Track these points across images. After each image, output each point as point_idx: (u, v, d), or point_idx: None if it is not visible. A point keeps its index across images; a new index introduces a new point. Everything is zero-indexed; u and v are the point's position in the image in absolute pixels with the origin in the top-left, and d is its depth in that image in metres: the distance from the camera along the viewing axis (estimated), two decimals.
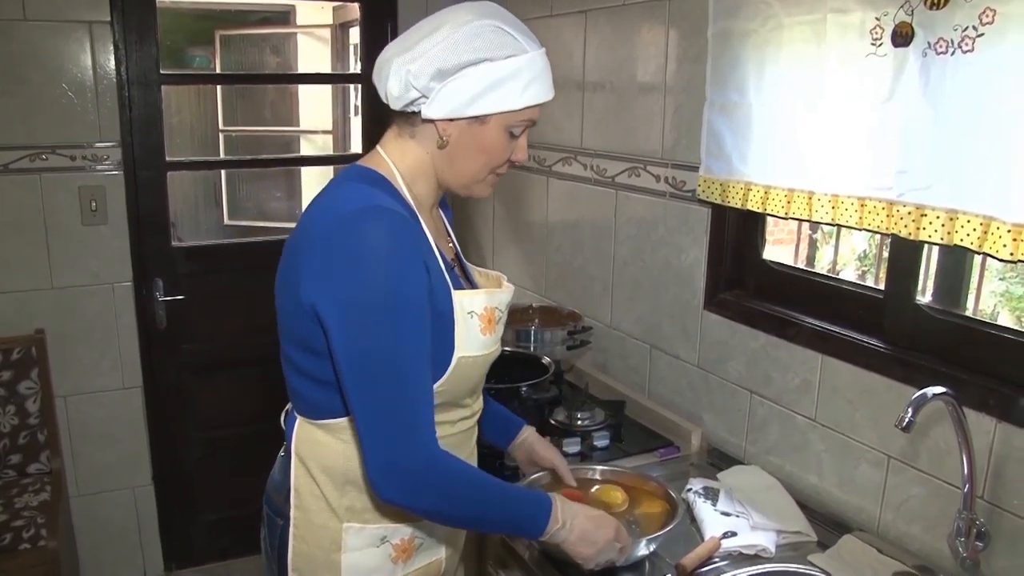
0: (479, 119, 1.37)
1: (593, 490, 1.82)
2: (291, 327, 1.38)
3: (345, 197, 1.34)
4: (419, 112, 1.37)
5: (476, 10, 1.37)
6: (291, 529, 1.46)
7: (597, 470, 1.90)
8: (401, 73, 1.35)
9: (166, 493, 3.36)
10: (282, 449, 1.52)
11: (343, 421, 1.40)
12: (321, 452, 1.43)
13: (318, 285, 1.28)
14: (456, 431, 1.49)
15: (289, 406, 1.53)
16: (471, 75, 1.33)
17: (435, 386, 1.38)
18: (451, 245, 1.57)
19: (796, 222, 2.31)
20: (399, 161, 1.44)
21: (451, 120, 1.37)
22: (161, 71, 3.03)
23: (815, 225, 3.05)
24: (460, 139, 1.39)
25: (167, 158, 3.12)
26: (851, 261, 5.23)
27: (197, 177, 5.66)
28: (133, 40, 2.94)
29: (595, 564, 1.50)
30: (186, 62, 5.56)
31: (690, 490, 1.94)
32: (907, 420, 1.45)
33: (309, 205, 1.41)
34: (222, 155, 5.73)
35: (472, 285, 1.56)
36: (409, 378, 1.29)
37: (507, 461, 1.99)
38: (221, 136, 5.71)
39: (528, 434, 1.81)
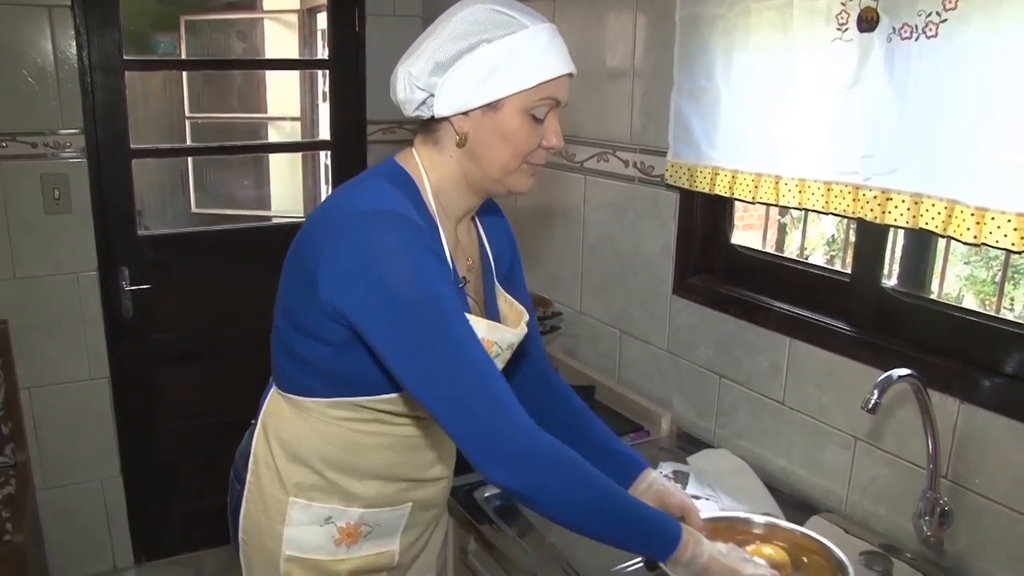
0: (492, 106, 1.32)
1: (748, 549, 1.52)
2: (298, 312, 1.35)
3: (368, 195, 1.32)
4: (434, 115, 1.35)
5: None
6: (245, 493, 1.49)
7: (758, 523, 1.61)
8: (404, 77, 1.34)
9: (135, 485, 3.33)
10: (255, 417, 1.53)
11: (309, 401, 1.41)
12: (283, 425, 1.45)
13: (340, 286, 1.26)
14: (392, 433, 1.46)
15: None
16: (471, 61, 1.29)
17: (397, 394, 1.38)
18: (470, 263, 1.51)
19: (765, 207, 2.32)
20: (429, 167, 1.41)
21: (465, 114, 1.33)
22: (124, 57, 2.98)
23: (784, 210, 3.08)
24: (479, 132, 1.34)
25: (132, 145, 3.07)
26: (820, 246, 5.29)
27: (163, 165, 5.60)
28: (95, 25, 2.89)
29: None
30: (150, 48, 5.50)
31: (660, 474, 1.95)
32: (873, 402, 1.47)
33: (334, 193, 1.40)
34: (189, 142, 5.68)
35: (484, 309, 1.53)
36: (473, 365, 1.26)
37: None
38: (188, 123, 5.65)
39: (655, 477, 1.60)
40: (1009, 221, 1.38)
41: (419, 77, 1.32)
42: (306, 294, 1.30)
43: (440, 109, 1.32)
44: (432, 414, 1.26)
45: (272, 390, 1.48)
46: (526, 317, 1.56)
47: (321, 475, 1.44)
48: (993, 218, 1.40)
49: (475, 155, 1.37)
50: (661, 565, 1.36)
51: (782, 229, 3.60)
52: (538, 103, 1.33)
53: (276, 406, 1.47)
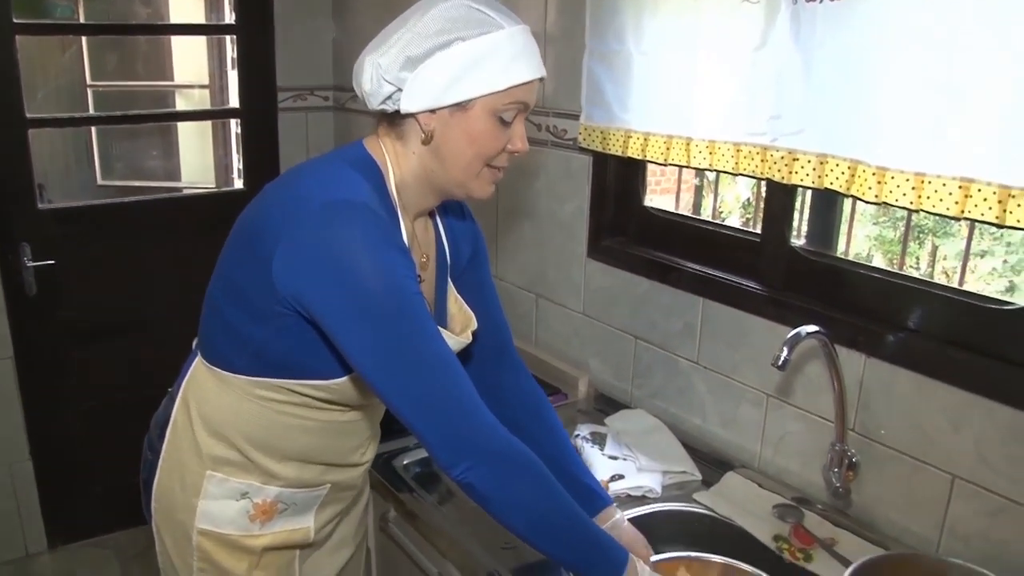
0: (461, 106, 1.29)
1: None
2: (243, 290, 1.31)
3: (332, 182, 1.28)
4: (399, 110, 1.31)
5: None
6: (160, 462, 1.46)
7: (715, 563, 1.54)
8: (372, 69, 1.29)
9: (46, 468, 3.23)
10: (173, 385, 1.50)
11: (235, 377, 1.38)
12: (207, 397, 1.42)
13: (303, 278, 1.22)
14: (318, 419, 1.45)
15: (195, 343, 1.49)
16: (443, 58, 1.26)
17: (334, 381, 1.37)
18: (424, 260, 1.49)
19: (677, 172, 2.35)
20: (393, 159, 1.37)
21: (432, 111, 1.30)
22: (15, 20, 2.84)
23: (700, 174, 3.12)
24: (445, 131, 1.31)
25: (27, 115, 2.94)
26: (736, 209, 5.37)
27: (66, 135, 5.40)
28: None
29: None
30: (46, 11, 5.27)
31: (578, 436, 1.97)
32: (783, 359, 1.50)
33: (295, 171, 1.35)
34: (91, 111, 5.49)
35: (434, 311, 1.52)
36: (439, 364, 1.25)
37: None
38: (90, 91, 5.45)
39: (618, 517, 1.59)
40: (908, 180, 1.42)
41: (388, 70, 1.27)
42: (259, 275, 1.26)
43: (408, 105, 1.29)
44: (395, 410, 1.25)
45: (196, 359, 1.45)
46: (473, 325, 1.55)
47: (241, 452, 1.42)
48: (893, 177, 1.44)
49: (439, 154, 1.34)
50: None
51: (698, 192, 3.64)
52: (507, 106, 1.30)
53: (200, 377, 1.43)
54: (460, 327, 1.54)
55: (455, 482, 1.26)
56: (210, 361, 1.41)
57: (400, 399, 1.23)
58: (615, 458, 1.88)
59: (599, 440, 1.95)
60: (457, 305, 1.57)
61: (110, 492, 3.33)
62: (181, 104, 5.72)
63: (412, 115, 1.31)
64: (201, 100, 5.65)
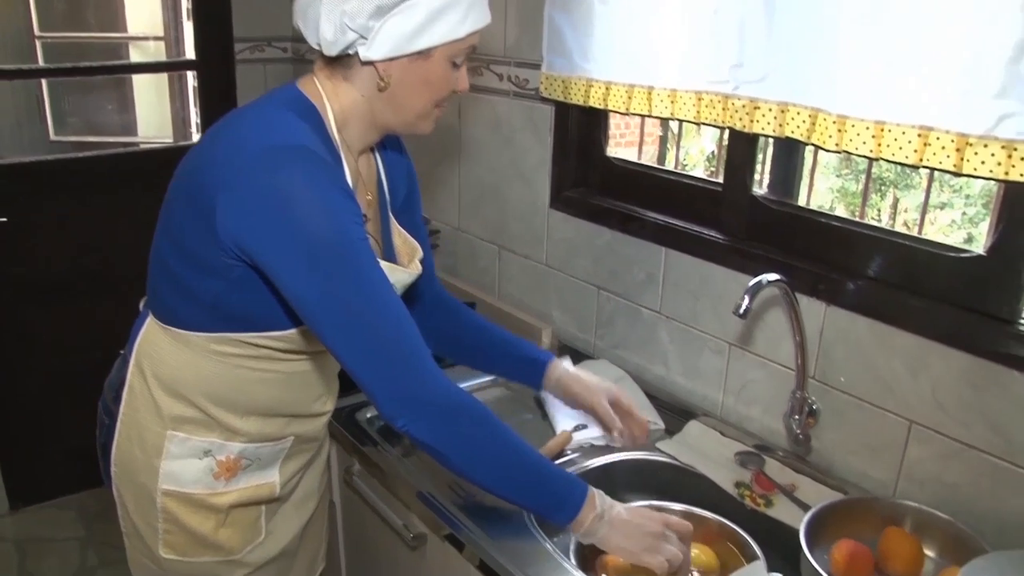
0: (423, 54, 1.29)
1: None
2: (190, 244, 1.29)
3: (273, 126, 1.25)
4: (355, 54, 1.28)
5: None
6: (117, 426, 1.44)
7: (675, 511, 1.56)
8: (334, 16, 1.25)
9: (5, 429, 3.19)
10: (125, 347, 1.47)
11: (192, 335, 1.35)
12: (161, 358, 1.39)
13: (247, 226, 1.20)
14: (280, 370, 1.44)
15: (144, 300, 1.47)
16: (410, 8, 1.25)
17: (287, 332, 1.36)
18: (369, 198, 1.49)
19: (640, 122, 2.33)
20: (332, 99, 1.35)
21: (392, 59, 1.29)
22: None
23: (664, 126, 3.11)
24: (403, 78, 1.31)
25: None
26: (700, 162, 5.37)
27: (16, 88, 5.26)
28: None
29: (664, 563, 1.35)
30: None
31: (564, 364, 1.97)
32: (744, 307, 1.50)
33: (231, 118, 1.32)
34: (41, 63, 5.35)
35: (382, 247, 1.51)
36: (386, 311, 1.24)
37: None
38: (38, 43, 5.32)
39: (562, 369, 1.68)
40: (868, 128, 1.42)
41: (355, 18, 1.24)
42: (202, 227, 1.24)
43: (372, 53, 1.27)
44: (339, 359, 1.25)
45: (148, 320, 1.42)
46: (419, 254, 1.55)
47: (202, 410, 1.40)
48: (853, 126, 1.44)
49: (394, 99, 1.34)
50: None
51: (662, 144, 3.63)
52: (462, 51, 1.34)
53: (153, 337, 1.41)
54: (407, 259, 1.54)
55: (404, 434, 1.27)
56: (163, 320, 1.39)
57: (344, 348, 1.23)
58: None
59: None
60: (401, 238, 1.57)
61: (72, 453, 3.29)
62: (135, 56, 5.60)
63: (371, 62, 1.29)
64: (156, 52, 5.52)
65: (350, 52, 1.29)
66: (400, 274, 1.44)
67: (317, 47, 1.31)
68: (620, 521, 1.37)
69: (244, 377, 1.40)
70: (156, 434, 1.42)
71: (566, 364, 1.73)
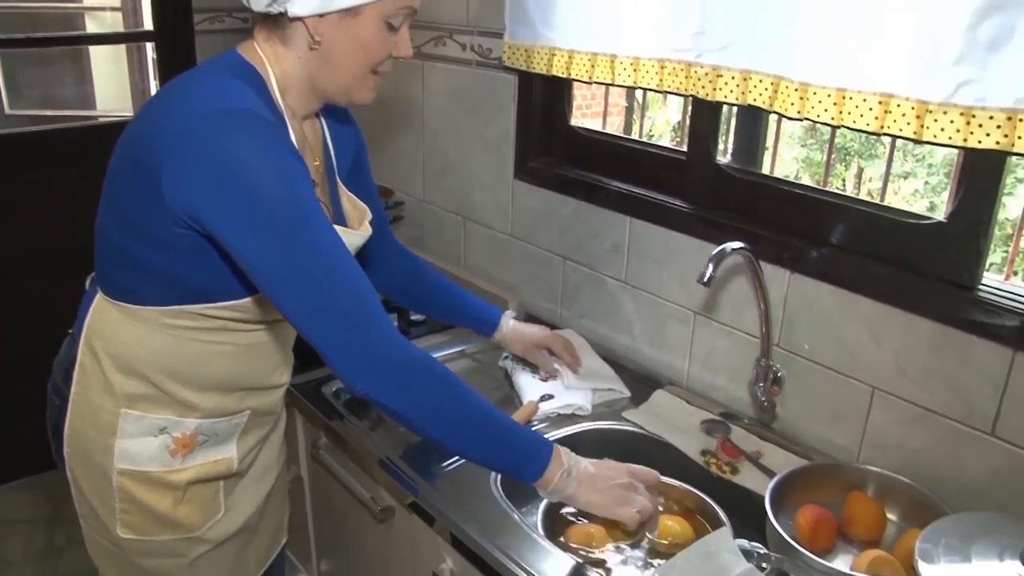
0: (351, 11, 1.26)
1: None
2: (136, 217, 1.26)
3: (217, 91, 1.22)
4: (285, 12, 1.26)
5: None
6: (69, 406, 1.42)
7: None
8: None
9: None
10: (73, 327, 1.45)
11: (144, 309, 1.33)
12: (113, 335, 1.36)
13: (192, 189, 1.17)
14: (237, 342, 1.42)
15: (91, 278, 1.44)
16: None
17: (242, 302, 1.34)
18: (316, 164, 1.46)
19: (605, 93, 2.32)
20: (274, 63, 1.32)
21: (321, 16, 1.26)
22: None
23: (630, 97, 3.09)
24: (334, 37, 1.28)
25: None
26: (666, 132, 5.37)
27: None
28: None
29: (636, 515, 1.37)
30: None
31: (506, 358, 1.98)
32: (708, 275, 1.50)
33: (172, 86, 1.29)
34: None
35: (332, 212, 1.49)
36: (342, 273, 1.23)
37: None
38: None
39: (513, 321, 1.89)
40: (829, 96, 1.42)
41: None
42: (148, 197, 1.21)
43: (297, 8, 1.24)
44: (295, 324, 1.23)
45: (97, 297, 1.39)
46: (369, 216, 1.54)
47: (157, 386, 1.38)
48: (815, 93, 1.44)
49: (327, 60, 1.31)
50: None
51: (628, 114, 3.62)
52: (397, 12, 1.29)
53: (103, 314, 1.38)
54: (357, 223, 1.53)
55: (365, 399, 1.26)
56: (113, 297, 1.36)
57: (300, 312, 1.21)
58: (544, 379, 1.89)
59: (527, 361, 1.96)
60: (351, 203, 1.55)
61: (35, 432, 3.25)
62: (92, 27, 5.50)
63: (300, 19, 1.27)
64: (113, 23, 5.43)
65: (279, 9, 1.27)
66: (352, 237, 1.43)
67: (246, 3, 1.29)
68: (588, 476, 1.37)
69: (199, 351, 1.38)
70: (110, 413, 1.39)
71: (511, 322, 1.89)
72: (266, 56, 1.32)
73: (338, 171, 1.54)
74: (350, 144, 1.59)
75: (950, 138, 1.29)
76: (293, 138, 1.31)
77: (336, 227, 1.33)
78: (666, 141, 5.31)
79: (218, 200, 1.17)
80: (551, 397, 1.82)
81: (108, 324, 1.37)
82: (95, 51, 5.40)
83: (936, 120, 1.29)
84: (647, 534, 1.44)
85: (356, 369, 1.23)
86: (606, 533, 1.46)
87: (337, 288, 1.22)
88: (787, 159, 5.09)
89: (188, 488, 1.45)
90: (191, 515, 1.47)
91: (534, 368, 1.93)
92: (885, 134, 1.37)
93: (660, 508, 1.46)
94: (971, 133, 1.26)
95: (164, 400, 1.39)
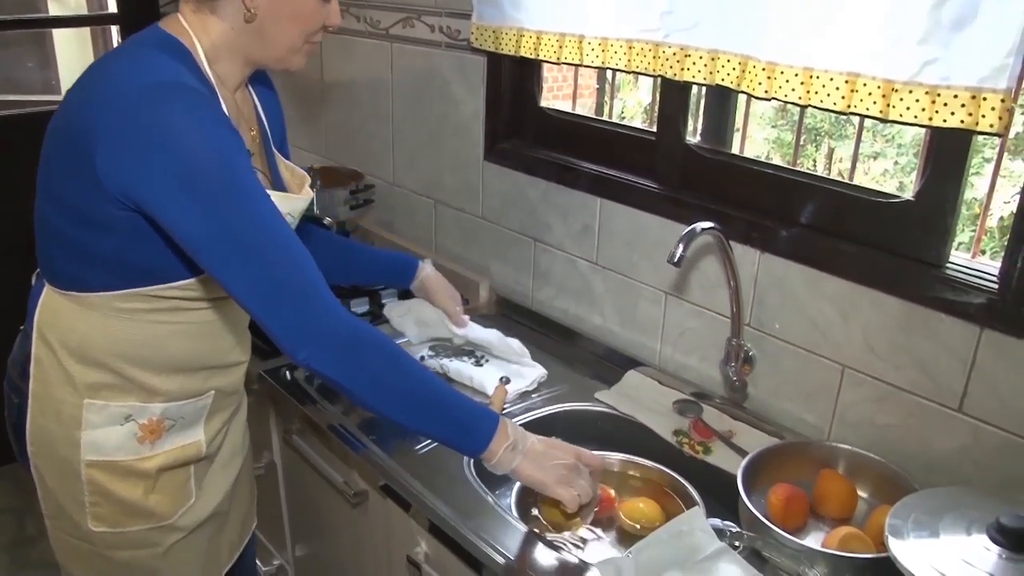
0: None
1: (624, 506, 1.52)
2: (73, 201, 1.24)
3: (145, 66, 1.21)
4: None
5: None
6: (28, 402, 1.40)
7: (614, 461, 1.60)
8: None
9: None
10: (24, 322, 1.43)
11: (96, 296, 1.31)
12: (68, 326, 1.35)
13: (126, 167, 1.16)
14: (191, 320, 1.41)
15: (36, 272, 1.42)
16: None
17: (193, 279, 1.33)
18: (254, 134, 1.46)
19: (574, 75, 2.31)
20: (201, 35, 1.30)
21: None
22: None
23: (602, 79, 3.08)
24: (269, 9, 1.28)
25: None
26: (638, 114, 5.36)
27: None
28: None
29: (576, 497, 1.37)
30: None
31: (431, 357, 1.98)
32: (678, 255, 1.50)
33: (102, 63, 1.27)
34: None
35: (271, 180, 1.48)
36: (281, 243, 1.22)
37: None
38: None
39: (428, 271, 1.94)
40: (796, 75, 1.42)
41: None
42: (83, 180, 1.20)
43: None
44: (238, 298, 1.21)
45: (45, 289, 1.36)
46: (307, 180, 1.54)
47: (118, 373, 1.36)
48: (782, 72, 1.44)
49: (262, 32, 1.30)
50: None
51: (600, 96, 3.60)
52: None
53: (54, 306, 1.36)
54: (298, 188, 1.52)
55: (307, 370, 1.26)
56: (62, 287, 1.34)
57: (239, 283, 1.20)
58: (479, 363, 1.91)
59: (451, 351, 1.98)
60: (289, 171, 1.55)
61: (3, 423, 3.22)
62: (54, 9, 5.41)
63: None
64: (77, 6, 5.35)
65: None
66: (296, 202, 1.42)
67: None
68: (534, 452, 1.37)
69: (155, 332, 1.36)
70: (72, 405, 1.37)
71: (430, 268, 1.95)
72: (193, 28, 1.31)
73: (272, 139, 1.53)
74: (277, 111, 1.58)
75: (915, 117, 1.29)
76: (225, 109, 1.29)
77: (279, 193, 1.35)
78: (638, 122, 5.29)
79: (151, 175, 1.16)
80: (509, 380, 1.83)
81: (60, 316, 1.35)
82: (59, 34, 5.32)
83: (902, 99, 1.30)
84: (581, 521, 1.44)
85: (298, 339, 1.23)
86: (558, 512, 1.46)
87: (274, 257, 1.21)
88: (758, 140, 5.10)
89: (159, 476, 1.44)
90: (162, 503, 1.46)
91: (455, 353, 1.96)
92: (852, 113, 1.37)
93: (598, 495, 1.45)
94: (936, 112, 1.27)
95: (126, 387, 1.38)
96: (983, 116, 1.23)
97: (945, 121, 1.26)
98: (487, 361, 1.92)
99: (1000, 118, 1.22)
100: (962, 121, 1.25)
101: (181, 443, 1.46)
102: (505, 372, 1.85)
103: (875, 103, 1.33)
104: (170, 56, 1.25)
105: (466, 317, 1.96)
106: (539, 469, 1.36)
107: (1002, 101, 1.21)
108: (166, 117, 1.15)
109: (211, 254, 1.19)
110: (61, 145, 1.26)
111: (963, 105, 1.24)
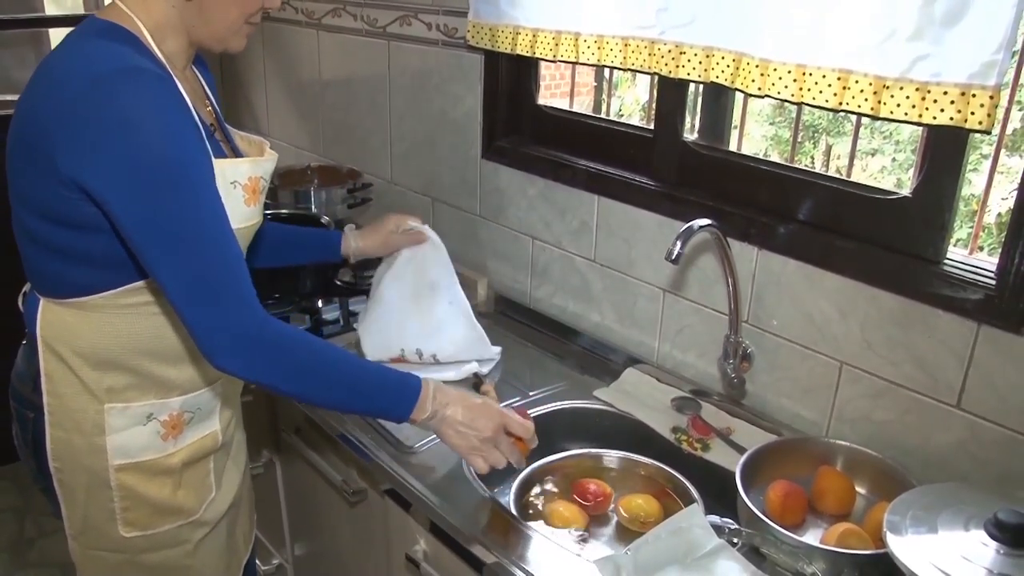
0: None
1: (622, 501, 1.53)
2: (40, 200, 1.23)
3: (93, 56, 1.19)
4: None
5: None
6: (46, 418, 1.38)
7: (612, 457, 1.63)
8: None
9: None
10: (25, 336, 1.42)
11: (96, 298, 1.30)
12: (75, 333, 1.33)
13: (83, 159, 1.15)
14: None
15: (27, 288, 1.41)
16: None
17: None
18: (209, 109, 1.46)
19: (572, 72, 2.31)
20: (144, 17, 1.29)
21: None
22: None
23: (599, 76, 3.08)
24: None
25: None
26: (636, 112, 5.36)
27: None
28: None
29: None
30: None
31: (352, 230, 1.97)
32: (676, 252, 1.50)
33: (47, 62, 1.25)
34: None
35: (235, 152, 1.47)
36: (217, 241, 1.21)
37: None
38: None
39: (353, 234, 1.89)
40: (789, 72, 1.42)
41: None
42: (50, 182, 1.19)
43: None
44: (164, 291, 1.20)
45: (41, 303, 1.34)
46: (267, 144, 1.54)
47: (134, 371, 1.36)
48: (775, 69, 1.44)
49: (202, 11, 1.30)
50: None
51: (597, 93, 3.60)
52: None
53: (54, 317, 1.33)
54: (259, 152, 1.52)
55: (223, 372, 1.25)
56: (58, 296, 1.32)
57: (167, 276, 1.19)
58: (443, 363, 1.91)
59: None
60: (245, 140, 1.54)
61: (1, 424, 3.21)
62: (51, 9, 5.40)
63: None
64: (74, 5, 5.34)
65: None
66: (265, 164, 1.41)
67: None
68: (454, 421, 1.39)
69: (160, 322, 1.35)
70: (93, 412, 1.36)
71: (353, 231, 1.91)
72: (134, 11, 1.29)
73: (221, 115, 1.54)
74: (215, 90, 1.58)
75: (906, 114, 1.29)
76: (182, 89, 1.28)
77: (248, 158, 1.37)
78: (636, 120, 5.29)
79: (106, 164, 1.15)
80: (484, 374, 1.86)
81: (64, 326, 1.33)
82: (56, 35, 5.30)
83: (892, 96, 1.30)
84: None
85: (213, 345, 1.22)
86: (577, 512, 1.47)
87: (210, 258, 1.21)
88: (756, 137, 5.09)
89: (183, 470, 1.45)
90: (189, 498, 1.46)
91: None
92: (844, 111, 1.37)
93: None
94: (926, 109, 1.27)
95: (144, 385, 1.37)
96: (972, 113, 1.23)
97: (935, 118, 1.26)
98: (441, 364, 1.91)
99: (988, 115, 1.22)
100: (951, 118, 1.25)
101: (200, 435, 1.47)
102: (468, 369, 1.87)
103: (866, 100, 1.33)
104: (117, 43, 1.23)
105: (425, 227, 1.94)
106: (456, 436, 1.39)
107: (991, 98, 1.21)
108: (120, 106, 1.14)
109: (147, 244, 1.18)
110: (22, 154, 1.24)
111: (952, 102, 1.24)
